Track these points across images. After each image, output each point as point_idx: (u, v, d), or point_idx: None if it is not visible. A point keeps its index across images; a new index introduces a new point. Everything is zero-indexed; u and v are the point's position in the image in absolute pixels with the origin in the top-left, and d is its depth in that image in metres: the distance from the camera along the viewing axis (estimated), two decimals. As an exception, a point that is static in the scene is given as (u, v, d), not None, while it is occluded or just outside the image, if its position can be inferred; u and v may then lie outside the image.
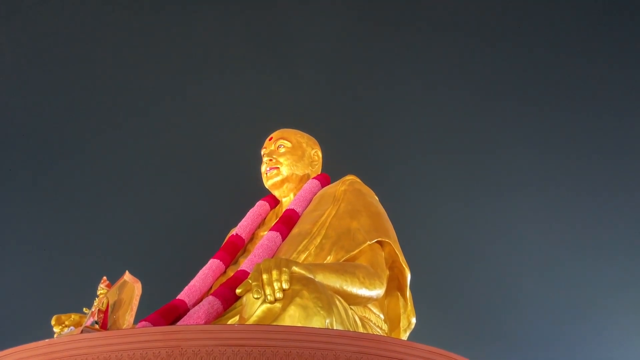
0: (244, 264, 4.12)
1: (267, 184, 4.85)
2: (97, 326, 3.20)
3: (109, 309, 3.31)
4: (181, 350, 2.73)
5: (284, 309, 3.00)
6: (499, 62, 8.88)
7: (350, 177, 4.66)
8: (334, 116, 8.89)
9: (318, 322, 3.03)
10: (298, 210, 4.52)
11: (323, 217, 4.26)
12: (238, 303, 3.68)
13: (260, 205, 4.93)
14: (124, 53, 8.66)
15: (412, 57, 9.11)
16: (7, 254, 8.02)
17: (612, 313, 8.14)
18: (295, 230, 4.30)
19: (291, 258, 3.88)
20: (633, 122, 8.55)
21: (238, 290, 3.19)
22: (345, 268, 3.70)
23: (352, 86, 9.09)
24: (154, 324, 3.62)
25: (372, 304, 4.03)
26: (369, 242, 4.07)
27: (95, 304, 3.35)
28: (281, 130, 5.02)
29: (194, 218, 8.40)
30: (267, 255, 4.12)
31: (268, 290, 3.03)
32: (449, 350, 3.27)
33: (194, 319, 3.62)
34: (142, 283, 3.42)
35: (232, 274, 4.13)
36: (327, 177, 4.92)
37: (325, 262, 3.91)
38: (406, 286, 4.34)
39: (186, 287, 4.19)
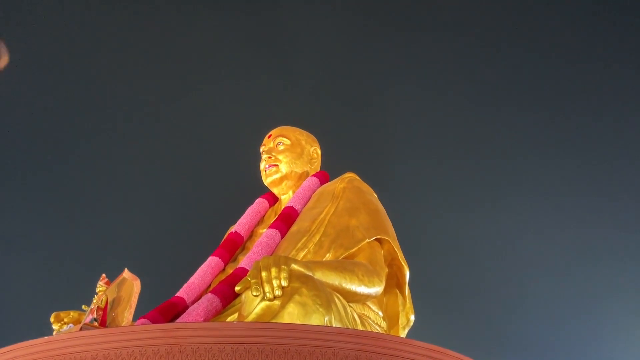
0: (243, 261, 4.12)
1: (266, 181, 4.85)
2: (96, 323, 3.20)
3: (108, 307, 3.31)
4: (180, 347, 2.73)
5: (283, 306, 3.00)
6: (503, 66, 8.88)
7: (349, 175, 4.66)
8: (333, 114, 8.89)
9: (317, 319, 3.03)
10: (297, 207, 4.52)
11: (322, 215, 4.26)
12: (237, 300, 3.68)
13: (259, 203, 4.92)
14: (124, 52, 8.65)
15: (412, 57, 9.11)
16: (6, 252, 8.02)
17: (613, 315, 8.15)
18: (294, 228, 4.30)
19: (290, 256, 3.88)
20: (635, 127, 8.55)
21: (237, 288, 3.20)
22: (344, 266, 3.70)
23: (352, 84, 9.09)
24: (153, 322, 3.62)
25: (371, 301, 4.03)
26: (367, 240, 4.07)
27: (94, 301, 3.36)
28: (280, 127, 5.01)
29: (193, 215, 8.40)
30: (266, 252, 4.12)
31: (267, 288, 3.03)
32: (447, 347, 3.28)
33: (193, 316, 3.62)
34: (141, 280, 3.42)
35: (231, 271, 4.13)
36: (326, 174, 4.91)
37: (324, 259, 3.92)
38: (405, 284, 4.35)
39: (185, 285, 4.19)
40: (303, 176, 4.85)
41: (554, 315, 8.33)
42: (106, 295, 3.36)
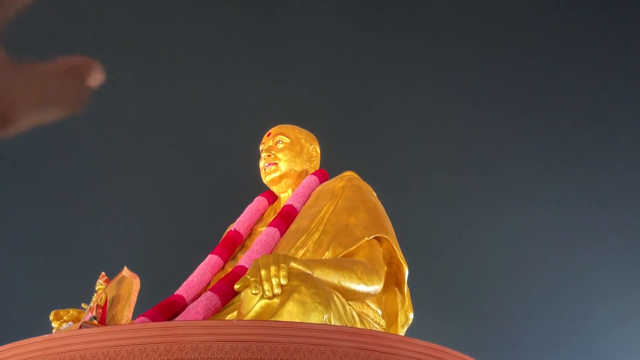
0: (242, 259, 4.13)
1: (266, 179, 4.85)
2: (95, 321, 3.21)
3: (108, 305, 3.32)
4: (179, 345, 2.74)
5: (282, 304, 3.01)
6: (503, 66, 8.87)
7: (348, 173, 4.66)
8: (332, 112, 8.89)
9: (316, 317, 3.04)
10: (296, 206, 4.52)
11: (321, 213, 4.26)
12: (236, 299, 3.69)
13: (259, 201, 4.93)
14: (122, 51, 8.64)
15: (412, 56, 9.10)
16: (6, 250, 8.02)
17: (615, 315, 8.16)
18: (293, 226, 4.31)
19: (289, 254, 3.89)
20: (635, 127, 8.55)
21: (236, 286, 3.20)
22: (343, 264, 3.71)
23: (351, 83, 9.09)
24: (153, 320, 3.62)
25: (370, 299, 4.04)
26: (367, 238, 4.08)
27: (93, 299, 3.36)
28: (279, 126, 5.01)
29: (192, 214, 8.40)
30: (265, 251, 4.13)
31: (266, 286, 3.04)
32: (447, 346, 3.28)
33: (192, 314, 3.62)
34: (140, 278, 3.42)
35: (230, 269, 4.14)
36: (325, 173, 4.92)
37: (323, 258, 3.92)
38: (404, 282, 4.35)
39: (184, 283, 4.19)
40: (302, 174, 4.85)
41: (555, 314, 8.34)
42: (106, 293, 3.37)
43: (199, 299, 3.78)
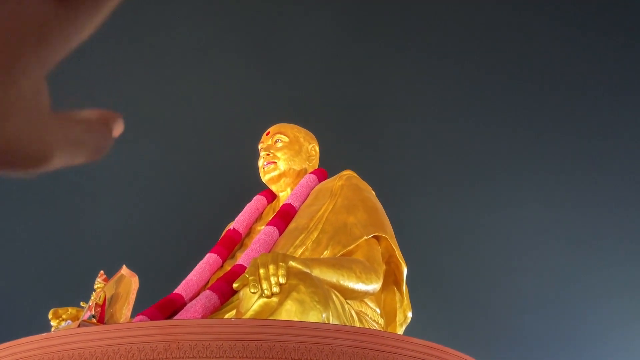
0: (241, 258, 4.13)
1: (265, 178, 4.85)
2: (94, 320, 3.21)
3: (106, 303, 3.32)
4: (178, 344, 2.74)
5: (280, 303, 3.01)
6: (503, 65, 8.87)
7: (347, 172, 4.67)
8: (331, 111, 8.89)
9: (314, 316, 3.04)
10: (295, 204, 4.52)
11: (320, 212, 4.27)
12: (235, 297, 3.69)
13: (258, 200, 4.93)
14: (120, 51, 8.64)
15: (410, 55, 9.10)
16: (4, 248, 8.02)
17: (614, 313, 8.17)
18: (292, 225, 4.31)
19: (288, 253, 3.89)
20: (634, 126, 8.56)
21: (235, 285, 3.20)
22: (342, 263, 3.71)
23: (351, 81, 9.09)
24: (151, 318, 3.63)
25: (369, 298, 4.04)
26: (365, 237, 4.08)
27: (92, 297, 3.36)
28: (278, 125, 5.01)
29: (191, 212, 8.40)
30: (264, 249, 4.13)
31: (265, 285, 3.04)
32: (445, 345, 3.29)
33: (191, 313, 3.63)
34: (139, 277, 3.43)
35: (229, 268, 4.14)
36: (324, 171, 4.92)
37: (322, 256, 3.92)
38: (402, 281, 4.36)
39: (183, 281, 4.20)
40: (301, 173, 4.85)
41: (555, 314, 8.35)
42: (104, 292, 3.37)
43: (197, 297, 3.78)
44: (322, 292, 3.17)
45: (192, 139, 8.76)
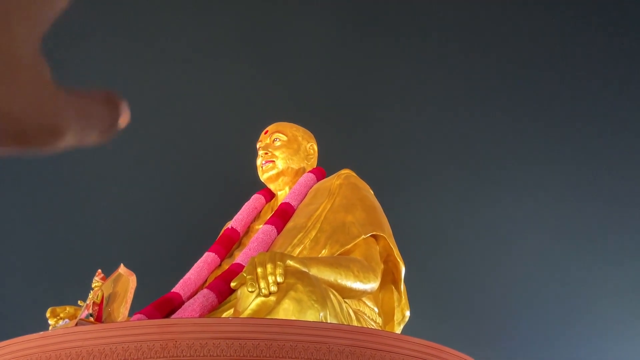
0: (239, 257, 4.13)
1: (263, 177, 4.85)
2: (91, 319, 3.21)
3: (104, 302, 3.32)
4: (175, 343, 2.74)
5: (278, 302, 3.01)
6: (503, 65, 8.87)
7: (345, 171, 4.66)
8: (330, 110, 8.89)
9: (312, 315, 3.04)
10: (293, 203, 4.52)
11: (318, 211, 4.27)
12: (233, 296, 3.69)
13: (256, 199, 4.93)
14: (119, 50, 8.63)
15: (410, 54, 9.10)
16: (2, 246, 8.02)
17: (613, 313, 8.18)
18: (290, 224, 4.31)
19: (286, 252, 3.89)
20: (634, 126, 8.57)
21: (233, 284, 3.20)
22: (340, 262, 3.71)
23: (349, 80, 9.09)
24: (149, 317, 3.63)
25: (367, 297, 4.05)
26: (363, 236, 4.09)
27: (90, 296, 3.36)
28: (277, 123, 5.01)
29: (189, 211, 8.40)
30: (262, 248, 4.13)
31: (262, 284, 3.04)
32: (443, 344, 3.29)
33: (189, 312, 3.63)
34: (136, 276, 3.43)
35: (227, 267, 4.14)
36: (322, 170, 4.92)
37: (320, 255, 3.93)
38: (400, 280, 4.36)
39: (181, 280, 4.19)
40: (299, 172, 4.85)
41: (553, 312, 8.35)
42: (102, 290, 3.37)
43: (195, 296, 3.78)
44: (319, 291, 3.17)
45: (190, 137, 8.75)
